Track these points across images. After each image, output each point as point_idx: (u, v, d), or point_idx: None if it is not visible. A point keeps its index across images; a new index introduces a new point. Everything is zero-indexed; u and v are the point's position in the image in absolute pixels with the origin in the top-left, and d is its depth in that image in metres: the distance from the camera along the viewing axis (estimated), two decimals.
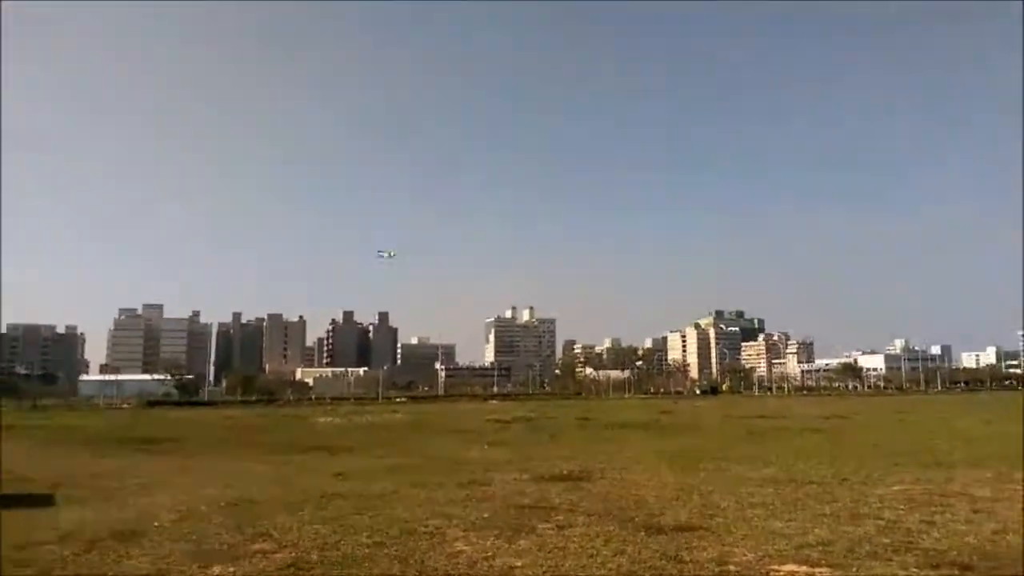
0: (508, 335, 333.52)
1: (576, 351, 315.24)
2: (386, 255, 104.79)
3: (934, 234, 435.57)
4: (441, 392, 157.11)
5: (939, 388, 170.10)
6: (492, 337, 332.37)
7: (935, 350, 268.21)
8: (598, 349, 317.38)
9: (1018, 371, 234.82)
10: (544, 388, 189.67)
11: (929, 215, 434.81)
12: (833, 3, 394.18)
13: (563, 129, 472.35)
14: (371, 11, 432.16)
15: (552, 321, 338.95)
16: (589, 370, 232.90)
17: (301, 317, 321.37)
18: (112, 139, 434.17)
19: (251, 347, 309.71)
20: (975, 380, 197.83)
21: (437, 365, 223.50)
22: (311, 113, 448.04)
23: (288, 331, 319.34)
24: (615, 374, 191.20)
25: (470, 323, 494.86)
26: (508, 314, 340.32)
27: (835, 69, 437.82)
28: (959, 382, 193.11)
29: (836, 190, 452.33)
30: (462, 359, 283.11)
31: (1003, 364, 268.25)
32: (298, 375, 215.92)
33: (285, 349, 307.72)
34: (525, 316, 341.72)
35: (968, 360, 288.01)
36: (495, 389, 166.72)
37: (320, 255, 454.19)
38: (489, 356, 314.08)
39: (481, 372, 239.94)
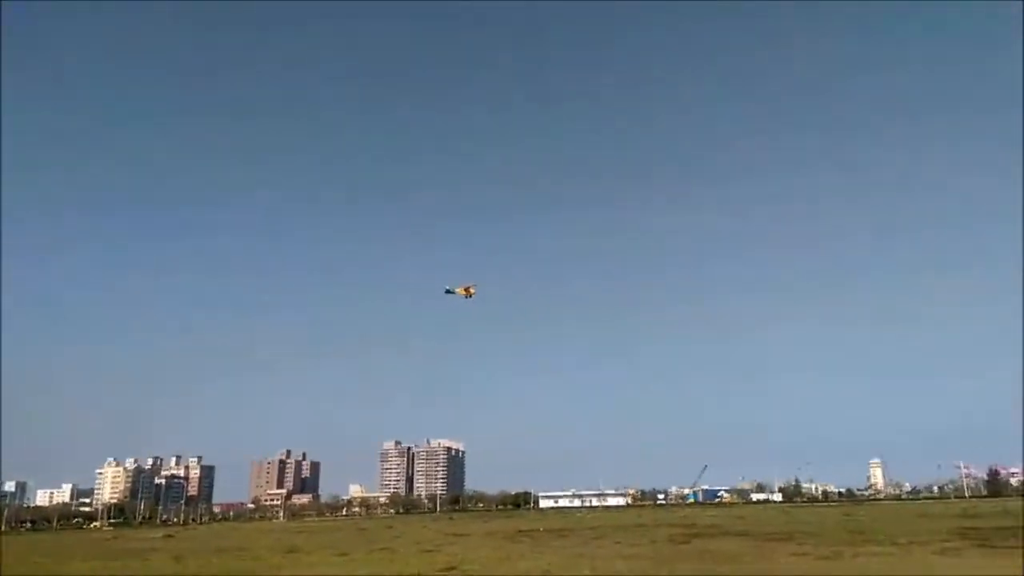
0: None
1: None
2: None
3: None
4: None
5: (6, 528, 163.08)
6: None
7: (9, 487, 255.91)
8: None
9: (88, 508, 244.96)
10: None
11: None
12: None
13: None
14: None
15: None
16: None
17: None
18: None
19: None
20: (44, 519, 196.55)
21: None
22: None
23: None
24: None
25: None
26: None
27: None
28: (26, 520, 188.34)
29: None
30: None
31: (77, 501, 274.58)
32: None
33: None
34: None
35: (43, 498, 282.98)
36: None
37: None
38: None
39: None
